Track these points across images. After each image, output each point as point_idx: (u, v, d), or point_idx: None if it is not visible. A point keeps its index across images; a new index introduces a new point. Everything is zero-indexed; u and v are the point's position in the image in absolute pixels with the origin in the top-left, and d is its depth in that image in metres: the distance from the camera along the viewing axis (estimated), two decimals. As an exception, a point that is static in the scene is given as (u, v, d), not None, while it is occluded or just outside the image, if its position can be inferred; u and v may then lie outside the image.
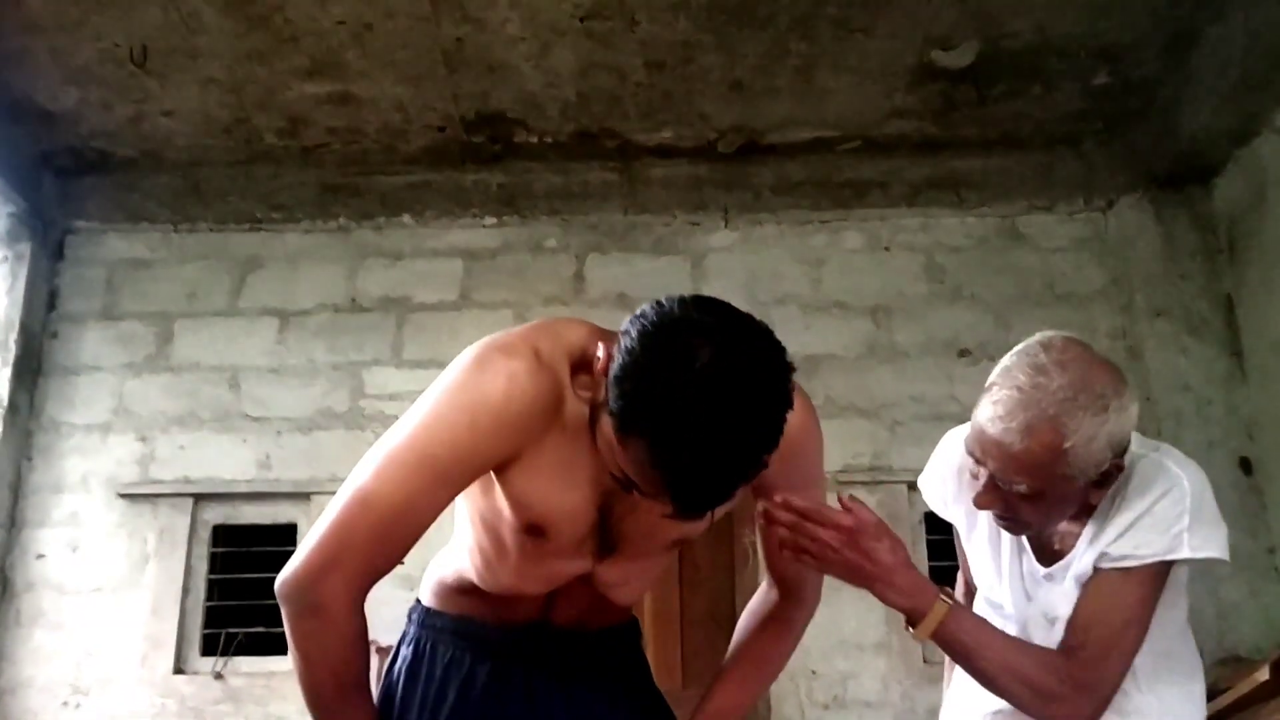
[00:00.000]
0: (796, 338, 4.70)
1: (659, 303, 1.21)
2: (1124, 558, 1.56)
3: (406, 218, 5.13)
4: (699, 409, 1.12)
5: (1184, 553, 1.54)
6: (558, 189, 5.14)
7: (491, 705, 1.51)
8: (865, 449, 4.74)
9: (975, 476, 1.61)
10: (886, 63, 4.40)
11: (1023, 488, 1.53)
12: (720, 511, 1.23)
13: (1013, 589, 1.75)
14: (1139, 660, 1.60)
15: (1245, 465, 4.55)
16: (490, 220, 5.13)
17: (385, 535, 1.32)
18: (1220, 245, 4.81)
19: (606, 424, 1.22)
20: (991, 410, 1.53)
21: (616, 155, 5.08)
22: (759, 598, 1.68)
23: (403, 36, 4.18)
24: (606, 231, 5.09)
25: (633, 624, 1.70)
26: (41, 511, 4.72)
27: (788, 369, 1.18)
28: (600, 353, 1.25)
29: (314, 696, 1.37)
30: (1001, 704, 1.69)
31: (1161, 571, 1.58)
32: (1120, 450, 1.53)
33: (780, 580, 1.64)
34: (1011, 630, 1.75)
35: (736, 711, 1.64)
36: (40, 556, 4.66)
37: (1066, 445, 1.48)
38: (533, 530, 1.40)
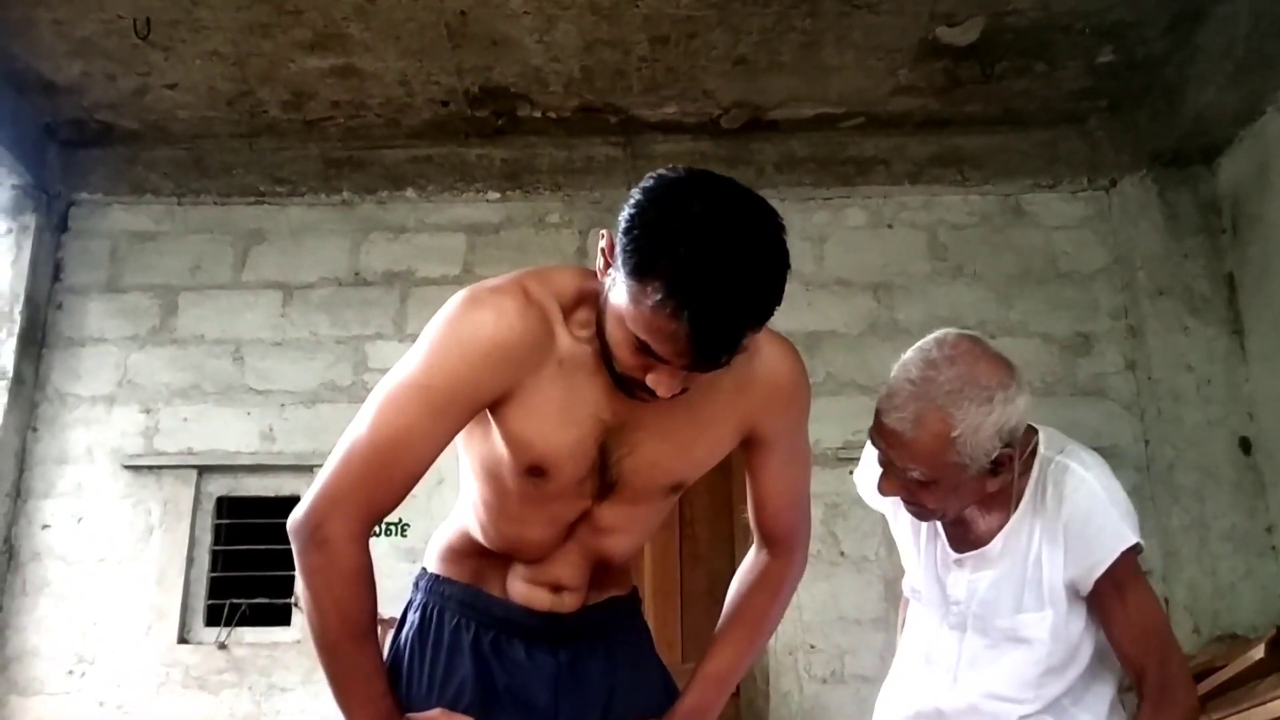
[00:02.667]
0: (798, 315, 4.71)
1: (656, 172, 1.28)
2: (1093, 567, 1.67)
3: (410, 192, 5.13)
4: (710, 240, 1.19)
5: (1131, 539, 1.66)
6: (561, 164, 5.14)
7: (500, 671, 1.54)
8: (866, 425, 4.72)
9: (880, 465, 1.73)
10: (891, 39, 4.39)
11: (917, 474, 1.65)
12: (729, 360, 1.27)
13: (926, 573, 1.86)
14: (1075, 681, 1.75)
15: (1244, 445, 4.57)
16: (493, 195, 5.13)
17: (383, 467, 1.36)
18: (1223, 225, 4.81)
19: (619, 296, 1.27)
20: (887, 402, 1.66)
21: (620, 130, 5.09)
22: (748, 561, 1.71)
23: (406, 10, 4.17)
24: (610, 207, 5.09)
25: (633, 594, 1.73)
26: (46, 482, 4.75)
27: (782, 224, 1.25)
28: (603, 242, 1.32)
29: (322, 638, 1.39)
30: (939, 704, 1.81)
31: (1132, 562, 1.69)
32: (1010, 439, 1.62)
33: (768, 538, 1.67)
34: (923, 614, 1.87)
35: (733, 673, 1.67)
36: (45, 527, 4.69)
37: (954, 434, 1.59)
38: (533, 471, 1.44)
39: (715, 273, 1.18)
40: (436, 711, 1.47)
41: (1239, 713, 3.36)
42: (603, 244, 1.32)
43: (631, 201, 1.26)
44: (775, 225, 1.24)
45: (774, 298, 1.24)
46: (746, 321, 1.24)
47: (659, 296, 1.20)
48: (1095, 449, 4.91)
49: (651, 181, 1.26)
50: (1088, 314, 4.88)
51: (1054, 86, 4.74)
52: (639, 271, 1.22)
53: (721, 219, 1.20)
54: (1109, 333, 4.86)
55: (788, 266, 1.24)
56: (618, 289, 1.28)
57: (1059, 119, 5.00)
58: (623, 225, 1.25)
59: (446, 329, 1.39)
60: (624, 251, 1.24)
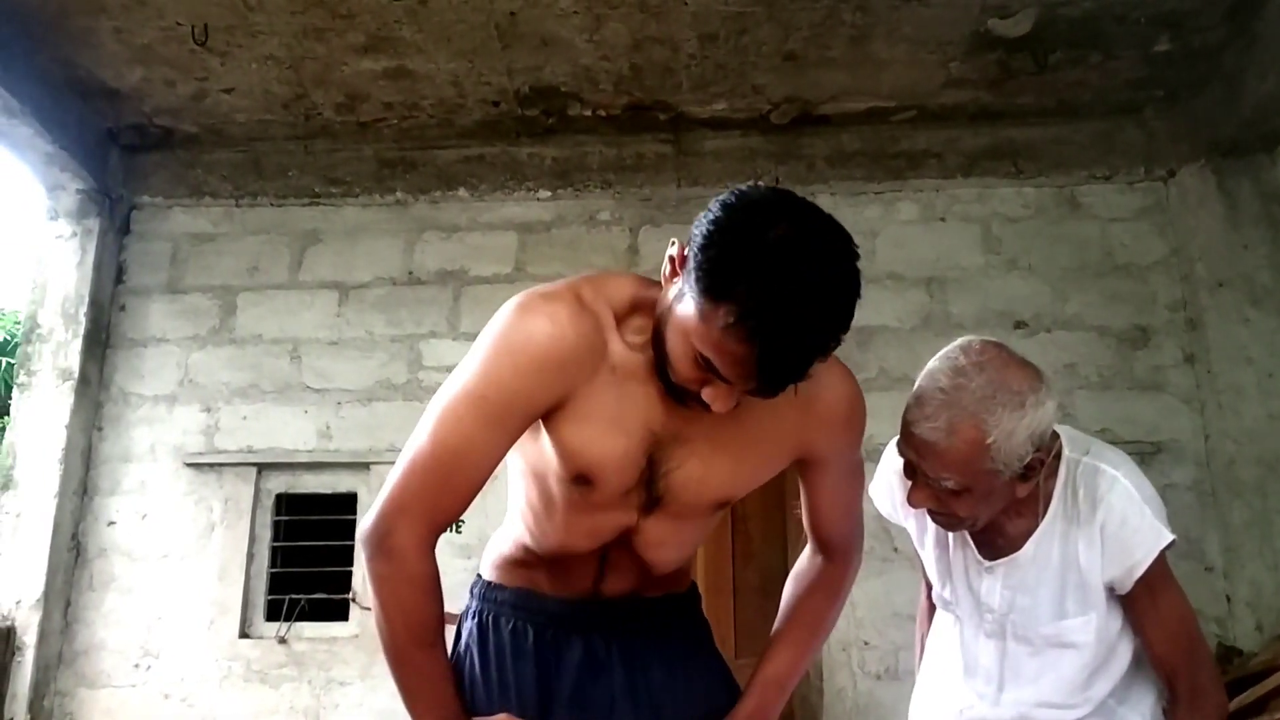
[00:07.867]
0: (850, 310, 4.68)
1: (737, 188, 1.25)
2: (1133, 568, 1.67)
3: (462, 191, 5.18)
4: (788, 270, 1.17)
5: (1168, 536, 1.65)
6: (611, 162, 5.16)
7: (560, 673, 1.56)
8: (919, 421, 4.71)
9: (908, 477, 1.70)
10: (942, 31, 4.35)
11: (951, 483, 1.62)
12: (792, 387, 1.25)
13: (957, 581, 1.86)
14: (1121, 679, 1.75)
15: (1308, 438, 4.49)
16: (544, 193, 5.16)
17: (445, 478, 1.38)
18: (1285, 215, 4.72)
19: (686, 309, 1.26)
20: (917, 412, 1.62)
21: (669, 128, 5.09)
22: (803, 563, 1.71)
23: (457, 11, 4.21)
24: (660, 204, 5.10)
25: (691, 590, 1.73)
26: (112, 480, 4.86)
27: (857, 252, 1.23)
28: (674, 250, 1.30)
29: (390, 644, 1.41)
30: (986, 715, 1.82)
31: (1164, 560, 1.68)
32: (1040, 444, 1.60)
33: (824, 544, 1.67)
34: (955, 623, 1.88)
35: (791, 675, 1.67)
36: (111, 524, 4.81)
37: (989, 440, 1.56)
38: (580, 480, 1.44)
39: (790, 303, 1.16)
40: (502, 717, 1.47)
41: (1304, 711, 3.31)
42: (673, 251, 1.31)
43: (710, 217, 1.22)
44: (851, 254, 1.22)
45: (844, 329, 1.22)
46: (815, 352, 1.22)
47: (731, 320, 1.18)
48: (1154, 444, 4.83)
49: (733, 199, 1.23)
50: (1145, 306, 4.81)
51: (1109, 77, 4.67)
52: (713, 292, 1.20)
53: (801, 247, 1.18)
54: (1167, 325, 4.79)
55: (859, 296, 1.22)
56: (685, 302, 1.26)
57: (1115, 110, 4.93)
58: (699, 241, 1.22)
59: (500, 338, 1.38)
60: (698, 268, 1.21)
